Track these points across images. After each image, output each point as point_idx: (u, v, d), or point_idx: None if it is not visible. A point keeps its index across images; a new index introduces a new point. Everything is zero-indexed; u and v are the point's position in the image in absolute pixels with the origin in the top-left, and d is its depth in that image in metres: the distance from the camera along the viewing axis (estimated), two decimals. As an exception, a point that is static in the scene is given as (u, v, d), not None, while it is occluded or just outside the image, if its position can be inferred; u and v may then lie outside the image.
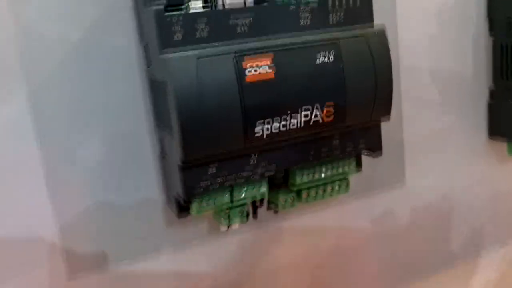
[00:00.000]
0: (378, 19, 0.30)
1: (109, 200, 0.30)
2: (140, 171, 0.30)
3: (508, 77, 0.40)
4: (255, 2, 0.27)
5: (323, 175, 0.31)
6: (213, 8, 0.26)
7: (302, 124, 0.27)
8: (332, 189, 0.32)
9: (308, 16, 0.28)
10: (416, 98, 0.39)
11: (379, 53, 0.28)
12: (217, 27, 0.26)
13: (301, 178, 0.30)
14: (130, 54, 0.29)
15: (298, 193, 0.32)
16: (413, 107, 0.39)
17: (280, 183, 0.31)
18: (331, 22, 0.28)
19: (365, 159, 0.33)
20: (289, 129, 0.27)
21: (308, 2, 0.28)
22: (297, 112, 0.27)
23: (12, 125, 0.27)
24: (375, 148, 0.31)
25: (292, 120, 0.27)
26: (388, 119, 0.30)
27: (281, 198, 0.32)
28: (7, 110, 0.27)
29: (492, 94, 0.42)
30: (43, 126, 0.28)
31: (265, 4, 0.27)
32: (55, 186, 0.29)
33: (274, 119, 0.27)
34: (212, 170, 0.27)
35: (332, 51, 0.27)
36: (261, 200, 0.32)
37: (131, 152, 0.30)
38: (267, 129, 0.26)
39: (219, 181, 0.27)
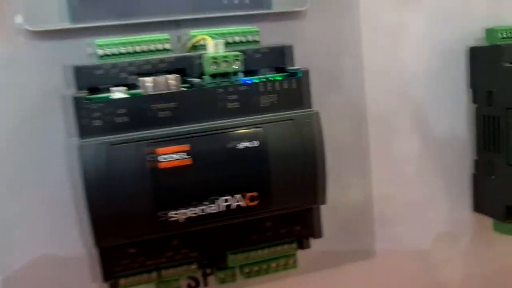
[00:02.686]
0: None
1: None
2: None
3: (490, 149, 0.37)
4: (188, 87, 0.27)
5: (258, 256, 0.30)
6: (136, 94, 0.27)
7: (223, 210, 0.27)
8: (277, 265, 0.32)
9: (236, 100, 0.28)
10: (393, 162, 0.38)
11: (310, 138, 0.28)
12: (138, 114, 0.26)
13: (235, 258, 0.30)
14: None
15: (241, 267, 0.31)
16: (388, 174, 0.38)
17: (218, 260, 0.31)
18: (262, 105, 0.28)
19: (332, 229, 0.32)
20: (209, 214, 0.27)
21: (239, 84, 0.28)
22: (216, 199, 0.27)
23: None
24: (313, 232, 0.30)
25: (211, 206, 0.27)
26: (324, 202, 0.29)
27: (220, 274, 0.31)
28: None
29: (477, 165, 0.39)
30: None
31: (191, 88, 0.27)
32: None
33: (192, 204, 0.26)
34: (132, 251, 0.27)
35: (256, 136, 0.27)
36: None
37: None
38: (183, 213, 0.26)
39: (139, 261, 0.27)
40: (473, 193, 0.40)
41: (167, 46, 0.30)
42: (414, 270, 0.39)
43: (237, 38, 0.31)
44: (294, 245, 0.31)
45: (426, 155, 0.39)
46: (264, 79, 0.28)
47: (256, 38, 0.32)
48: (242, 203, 0.27)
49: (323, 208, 0.36)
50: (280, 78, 0.28)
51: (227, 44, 0.31)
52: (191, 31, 0.31)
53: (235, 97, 0.28)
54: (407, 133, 0.38)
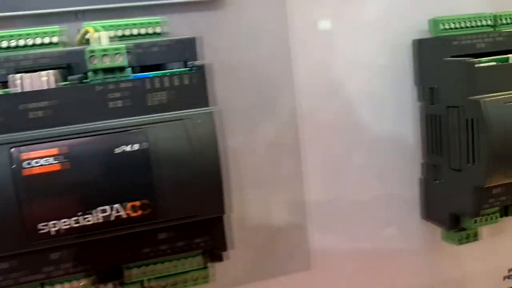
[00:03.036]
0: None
1: None
2: None
3: (434, 152, 0.34)
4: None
5: (160, 270, 0.28)
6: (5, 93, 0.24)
7: (101, 221, 0.24)
8: (186, 280, 0.29)
9: (119, 98, 0.25)
10: (330, 165, 0.35)
11: (201, 139, 0.25)
12: (5, 115, 0.24)
13: (131, 273, 0.27)
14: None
15: (147, 281, 0.29)
16: (325, 177, 0.35)
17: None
18: (149, 104, 0.25)
19: (262, 238, 0.30)
20: (85, 225, 0.24)
21: (121, 81, 0.25)
22: (93, 208, 0.24)
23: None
24: (216, 245, 0.27)
25: (87, 217, 0.24)
26: (223, 212, 0.26)
27: (122, 288, 0.28)
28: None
29: (424, 169, 0.36)
30: None
31: (66, 86, 0.25)
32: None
33: (64, 215, 0.24)
34: (4, 266, 0.25)
35: (137, 139, 0.24)
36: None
37: None
38: (54, 225, 0.24)
39: (13, 277, 0.25)
40: (421, 199, 0.36)
41: (55, 39, 0.27)
42: (355, 282, 0.36)
43: (142, 30, 0.29)
44: (198, 259, 0.28)
45: (369, 158, 0.35)
46: (154, 75, 0.25)
47: (164, 29, 0.29)
48: (122, 214, 0.24)
49: (252, 215, 0.34)
50: (170, 74, 0.25)
51: (129, 37, 0.28)
52: (85, 23, 0.28)
53: (118, 95, 0.25)
54: (344, 133, 0.35)
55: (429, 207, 0.36)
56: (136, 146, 0.24)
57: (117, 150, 0.24)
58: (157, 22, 0.28)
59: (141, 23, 0.28)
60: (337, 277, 0.36)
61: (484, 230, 0.36)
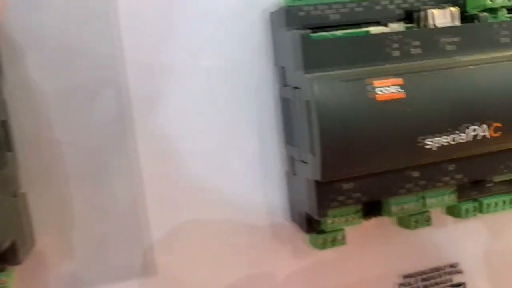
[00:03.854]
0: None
1: None
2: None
3: (288, 142, 0.29)
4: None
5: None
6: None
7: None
8: None
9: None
10: (175, 158, 0.30)
11: None
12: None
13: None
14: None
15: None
16: (168, 172, 0.30)
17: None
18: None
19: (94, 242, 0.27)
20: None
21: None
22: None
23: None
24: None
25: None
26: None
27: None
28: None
29: (286, 162, 0.31)
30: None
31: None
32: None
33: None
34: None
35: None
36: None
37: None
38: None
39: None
40: (287, 197, 0.32)
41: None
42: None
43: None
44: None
45: (227, 149, 0.31)
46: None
47: None
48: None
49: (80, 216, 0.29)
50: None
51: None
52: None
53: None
54: (187, 124, 0.30)
55: (292, 207, 0.31)
56: None
57: None
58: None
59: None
60: (185, 282, 0.31)
61: (362, 232, 0.32)
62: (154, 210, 0.30)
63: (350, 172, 0.25)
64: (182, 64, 0.29)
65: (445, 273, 0.36)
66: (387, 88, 0.25)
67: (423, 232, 0.34)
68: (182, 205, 0.30)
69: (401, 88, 0.25)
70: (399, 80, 0.25)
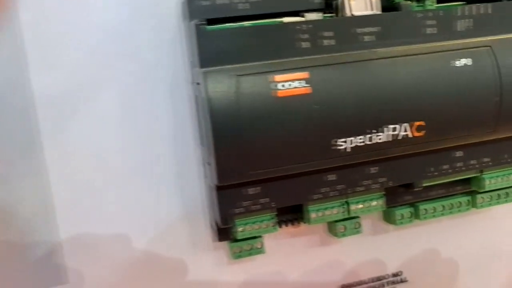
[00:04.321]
0: None
1: None
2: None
3: (202, 143, 0.27)
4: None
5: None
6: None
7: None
8: None
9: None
10: (83, 159, 0.28)
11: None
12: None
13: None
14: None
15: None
16: (80, 175, 0.28)
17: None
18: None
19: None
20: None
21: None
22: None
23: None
24: None
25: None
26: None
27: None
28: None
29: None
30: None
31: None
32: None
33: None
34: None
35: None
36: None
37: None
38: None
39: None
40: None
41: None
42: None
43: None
44: None
45: (140, 153, 0.28)
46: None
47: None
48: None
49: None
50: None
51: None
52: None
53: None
54: (99, 121, 0.28)
55: (210, 213, 0.29)
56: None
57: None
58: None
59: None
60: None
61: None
62: (65, 219, 0.28)
63: (253, 175, 0.23)
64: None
65: (388, 283, 0.34)
66: (290, 83, 0.23)
67: (361, 240, 0.32)
68: (95, 217, 0.28)
69: (307, 83, 0.23)
70: (305, 74, 0.23)
